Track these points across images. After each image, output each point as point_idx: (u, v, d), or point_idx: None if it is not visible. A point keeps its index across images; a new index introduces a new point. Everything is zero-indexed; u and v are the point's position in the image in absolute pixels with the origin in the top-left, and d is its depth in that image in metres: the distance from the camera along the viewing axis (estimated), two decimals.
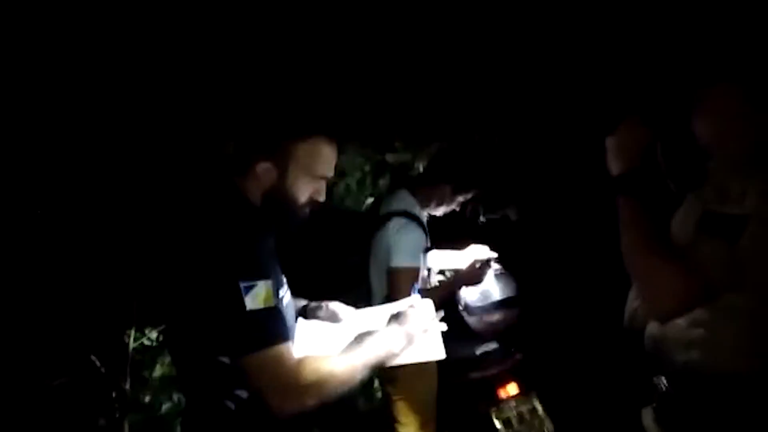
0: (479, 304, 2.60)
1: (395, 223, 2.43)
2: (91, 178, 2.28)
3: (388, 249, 2.39)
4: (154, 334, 2.21)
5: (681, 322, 1.34)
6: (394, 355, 1.49)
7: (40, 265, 2.22)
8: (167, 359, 2.18)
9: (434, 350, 1.55)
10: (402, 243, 2.38)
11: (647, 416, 1.51)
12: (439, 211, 2.65)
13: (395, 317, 1.56)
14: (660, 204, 1.39)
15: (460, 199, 2.63)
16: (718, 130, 1.32)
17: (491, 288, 2.59)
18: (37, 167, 2.26)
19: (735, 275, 1.21)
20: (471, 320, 2.65)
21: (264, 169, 1.44)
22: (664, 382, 1.44)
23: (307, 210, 1.52)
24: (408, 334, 1.52)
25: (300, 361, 1.34)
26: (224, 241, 1.35)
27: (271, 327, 1.32)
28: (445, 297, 2.62)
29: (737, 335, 1.27)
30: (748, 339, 1.27)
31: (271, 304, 1.33)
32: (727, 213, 1.21)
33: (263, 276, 1.32)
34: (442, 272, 2.72)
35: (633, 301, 1.53)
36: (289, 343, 1.36)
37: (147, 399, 2.16)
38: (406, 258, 2.37)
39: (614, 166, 1.35)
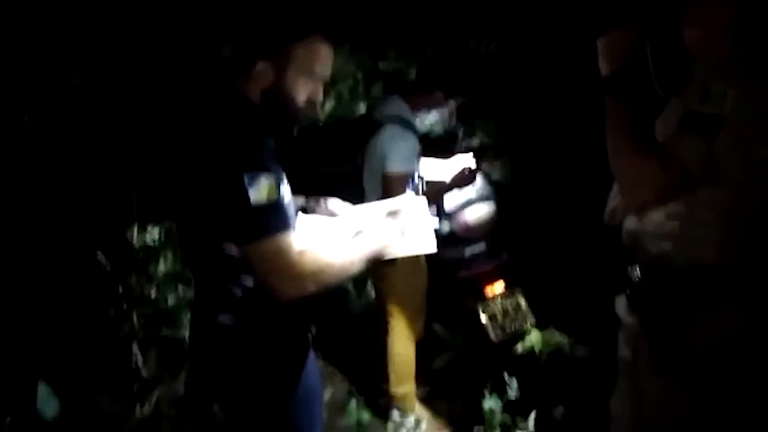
0: (454, 205, 2.71)
1: (389, 129, 2.46)
2: (93, 79, 2.27)
3: (382, 155, 2.43)
4: (155, 232, 2.30)
5: (657, 215, 1.44)
6: (389, 248, 1.59)
7: (45, 169, 2.27)
8: (170, 256, 2.28)
9: (426, 243, 1.65)
10: (396, 149, 2.43)
11: (620, 305, 1.64)
12: (431, 117, 2.69)
13: (391, 213, 1.65)
14: (647, 107, 1.45)
15: (453, 104, 2.66)
16: (704, 36, 1.37)
17: (467, 190, 2.69)
18: (38, 69, 2.24)
19: (710, 171, 1.29)
20: (451, 224, 2.76)
21: (263, 69, 1.46)
22: (638, 272, 1.55)
23: (306, 111, 1.56)
24: (402, 228, 1.61)
25: (301, 251, 1.43)
26: (228, 136, 1.40)
27: (274, 218, 1.40)
28: (431, 202, 2.72)
29: (708, 228, 1.37)
30: (718, 232, 1.37)
31: (274, 196, 1.40)
32: (707, 112, 1.27)
33: (266, 170, 1.39)
34: (428, 180, 2.79)
35: (613, 199, 1.62)
36: (291, 234, 1.44)
37: (153, 294, 2.29)
38: (400, 163, 2.42)
39: (603, 67, 1.39)
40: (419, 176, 2.64)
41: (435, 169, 2.80)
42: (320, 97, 1.56)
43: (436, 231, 2.94)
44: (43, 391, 1.80)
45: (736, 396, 1.44)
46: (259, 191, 1.37)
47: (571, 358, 1.73)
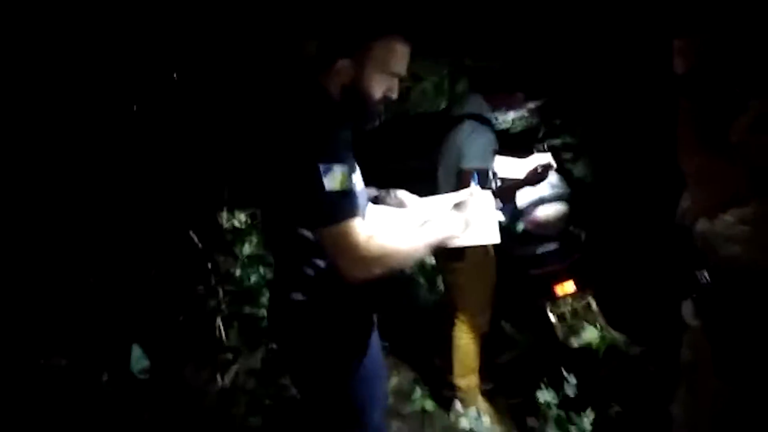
0: (526, 202, 2.70)
1: (468, 126, 2.49)
2: (192, 76, 2.49)
3: (459, 150, 2.47)
4: (242, 217, 2.48)
5: (729, 218, 1.42)
6: (453, 238, 1.66)
7: (151, 159, 2.51)
8: (254, 239, 2.46)
9: (490, 235, 1.69)
10: (474, 145, 2.46)
11: (687, 308, 1.62)
12: (509, 116, 2.71)
13: (456, 205, 1.71)
14: (723, 108, 1.43)
15: (531, 106, 2.68)
16: None
17: (541, 188, 2.67)
18: (148, 69, 2.47)
19: None
20: (523, 221, 2.76)
21: (343, 66, 1.57)
22: (706, 275, 1.53)
23: (382, 106, 1.66)
24: (467, 219, 1.68)
25: (369, 236, 1.52)
26: (307, 128, 1.52)
27: (345, 205, 1.50)
28: (505, 199, 2.73)
29: None
30: None
31: (346, 186, 1.50)
32: None
33: (340, 161, 1.49)
34: (502, 179, 2.81)
35: (685, 200, 1.61)
36: (360, 221, 1.54)
37: (237, 273, 2.48)
38: (476, 160, 2.45)
39: (677, 67, 1.39)
40: (493, 173, 2.67)
41: (510, 166, 2.82)
42: (395, 93, 1.65)
43: (510, 228, 2.97)
44: (136, 351, 2.02)
45: None
46: (332, 180, 1.48)
47: (628, 357, 1.72)
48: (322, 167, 1.47)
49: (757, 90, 1.44)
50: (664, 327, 1.65)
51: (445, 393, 2.93)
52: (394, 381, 3.20)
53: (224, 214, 2.47)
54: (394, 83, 1.64)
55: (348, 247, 1.50)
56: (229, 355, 2.63)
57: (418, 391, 3.02)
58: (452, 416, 2.83)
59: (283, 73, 2.39)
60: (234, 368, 2.62)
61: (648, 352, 1.76)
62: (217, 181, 2.48)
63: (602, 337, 1.70)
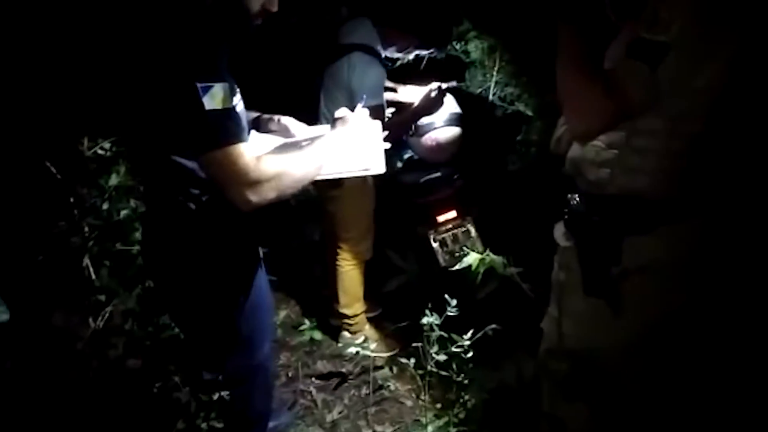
0: (426, 122, 2.69)
1: (358, 59, 2.38)
2: None
3: (350, 87, 2.37)
4: (107, 144, 2.25)
5: (599, 143, 1.49)
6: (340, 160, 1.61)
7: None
8: (122, 168, 2.25)
9: (376, 165, 1.66)
10: (366, 82, 2.36)
11: (558, 230, 1.71)
12: (395, 55, 2.62)
13: (339, 120, 1.66)
14: (598, 35, 1.47)
15: (422, 53, 2.63)
16: None
17: (438, 114, 2.67)
18: None
19: (651, 99, 1.34)
20: (418, 143, 2.76)
21: None
22: (576, 199, 1.63)
23: (260, 20, 1.53)
24: (353, 148, 1.63)
25: (258, 158, 1.44)
26: (182, 43, 1.38)
27: (230, 126, 1.40)
28: (401, 128, 2.69)
29: (644, 157, 1.44)
30: (654, 161, 1.44)
31: (228, 105, 1.39)
32: (653, 39, 1.30)
33: (220, 78, 1.38)
34: (396, 104, 2.76)
35: (559, 128, 1.67)
36: (247, 143, 1.45)
37: (105, 206, 2.27)
38: (371, 98, 2.38)
39: None
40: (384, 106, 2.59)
41: (407, 95, 2.77)
42: (275, 6, 1.53)
43: (398, 157, 2.97)
44: None
45: (659, 314, 1.56)
46: (213, 99, 1.36)
47: (505, 278, 1.84)
48: (200, 86, 1.35)
49: (631, 15, 1.50)
50: (538, 250, 1.75)
51: (332, 322, 2.97)
52: (282, 314, 3.19)
53: (85, 142, 2.22)
54: None
55: (238, 172, 1.40)
56: (102, 297, 2.45)
57: (306, 323, 3.04)
58: (340, 344, 2.88)
59: None
60: (108, 309, 2.46)
61: (524, 274, 1.87)
62: (76, 105, 2.21)
63: (482, 260, 1.78)
